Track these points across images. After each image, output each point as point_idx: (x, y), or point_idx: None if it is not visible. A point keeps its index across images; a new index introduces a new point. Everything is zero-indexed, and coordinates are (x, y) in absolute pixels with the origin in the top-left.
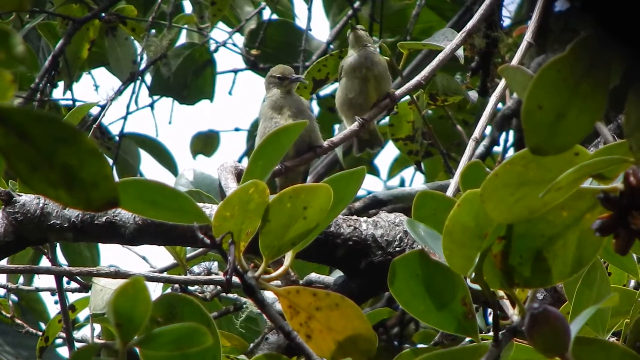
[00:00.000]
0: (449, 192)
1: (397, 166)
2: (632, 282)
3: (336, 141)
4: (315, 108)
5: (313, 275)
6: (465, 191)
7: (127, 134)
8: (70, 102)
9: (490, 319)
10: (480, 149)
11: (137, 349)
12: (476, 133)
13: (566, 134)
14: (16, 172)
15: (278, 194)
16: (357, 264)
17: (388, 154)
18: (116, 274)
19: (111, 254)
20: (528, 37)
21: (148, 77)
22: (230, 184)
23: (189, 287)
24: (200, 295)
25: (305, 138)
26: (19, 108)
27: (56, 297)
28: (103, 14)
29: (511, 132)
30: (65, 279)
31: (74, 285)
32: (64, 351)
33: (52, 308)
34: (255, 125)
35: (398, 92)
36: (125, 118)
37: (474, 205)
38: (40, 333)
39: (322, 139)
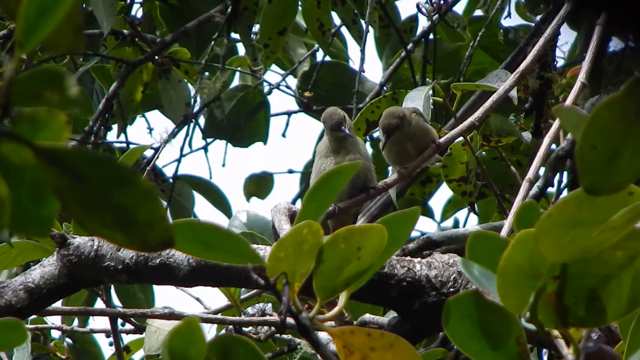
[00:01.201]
0: (503, 233)
1: (450, 207)
2: None
3: (390, 182)
4: (369, 149)
5: (367, 316)
6: (519, 231)
7: (180, 176)
8: (124, 145)
9: (545, 359)
10: (534, 190)
11: None
12: (530, 174)
13: (620, 173)
14: (70, 214)
15: (332, 234)
16: (411, 304)
17: (442, 195)
18: (170, 315)
19: (165, 296)
20: (582, 77)
21: (201, 120)
22: (283, 225)
23: (243, 328)
24: (255, 336)
25: (361, 176)
26: (73, 149)
27: (111, 339)
28: (156, 57)
29: (565, 173)
30: (119, 321)
31: (128, 326)
32: None
33: (107, 350)
34: (309, 166)
35: (451, 133)
36: (179, 160)
37: (528, 246)
38: None
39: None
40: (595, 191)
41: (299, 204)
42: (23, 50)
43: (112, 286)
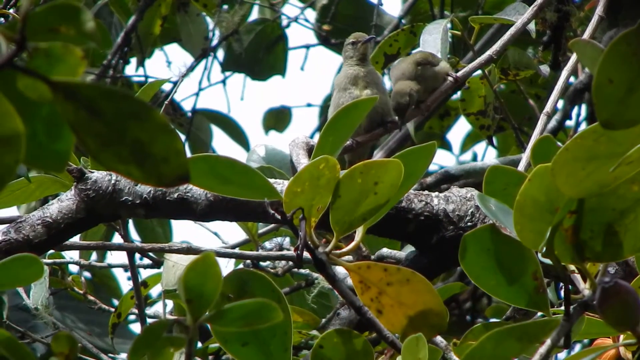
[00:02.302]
0: (521, 167)
1: (469, 141)
2: None
3: (408, 116)
4: (387, 83)
5: (384, 251)
6: (536, 166)
7: (199, 110)
8: (143, 79)
9: (562, 293)
10: (553, 123)
11: (209, 325)
12: (548, 107)
13: (637, 107)
14: (86, 148)
15: (348, 169)
16: (429, 239)
17: (460, 128)
18: (188, 250)
19: (183, 230)
20: (599, 10)
21: (220, 53)
22: (301, 159)
23: (261, 263)
24: (272, 271)
25: (378, 110)
26: (89, 83)
27: (128, 274)
28: None
29: (583, 106)
30: (137, 256)
31: (146, 261)
32: (136, 327)
33: (125, 284)
34: (327, 100)
35: (469, 66)
36: (197, 94)
37: (544, 180)
38: (113, 309)
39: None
40: (612, 125)
41: (317, 138)
42: None
43: (130, 221)
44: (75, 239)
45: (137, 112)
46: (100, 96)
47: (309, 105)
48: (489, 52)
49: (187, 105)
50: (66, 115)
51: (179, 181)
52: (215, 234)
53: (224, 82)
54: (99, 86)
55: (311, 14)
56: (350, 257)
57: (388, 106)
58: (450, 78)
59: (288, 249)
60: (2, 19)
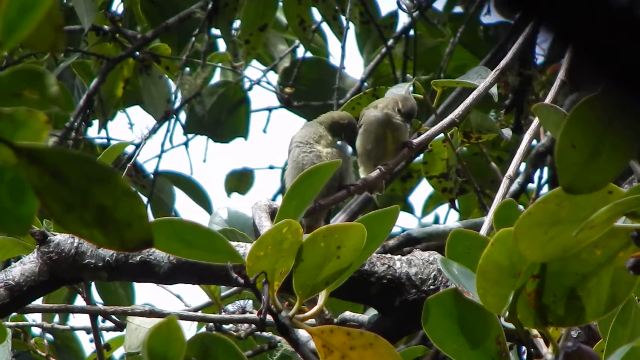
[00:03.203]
0: (483, 231)
1: (431, 203)
2: None
3: (370, 180)
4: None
5: (347, 314)
6: (498, 230)
7: (161, 172)
8: (105, 141)
9: (525, 357)
10: (515, 186)
11: None
12: (510, 171)
13: (600, 172)
14: (50, 213)
15: (312, 233)
16: (392, 302)
17: (422, 191)
18: (151, 313)
19: (146, 292)
20: (561, 75)
21: (182, 116)
22: (264, 222)
23: (224, 326)
24: (235, 333)
25: (336, 176)
26: (52, 148)
27: (91, 336)
28: (137, 53)
29: (545, 169)
30: (100, 318)
31: (109, 324)
32: None
33: (88, 347)
34: None
35: (432, 130)
36: (159, 156)
37: (507, 244)
38: None
39: (354, 178)
40: (575, 190)
41: (279, 200)
42: (3, 49)
43: (93, 283)
44: (38, 301)
45: (100, 177)
46: (64, 161)
47: (271, 167)
48: (451, 116)
49: (149, 167)
50: (30, 180)
51: (143, 246)
52: (178, 296)
53: (186, 144)
54: (63, 151)
55: (273, 77)
56: (313, 321)
57: (348, 171)
58: (406, 147)
59: (251, 312)
60: None
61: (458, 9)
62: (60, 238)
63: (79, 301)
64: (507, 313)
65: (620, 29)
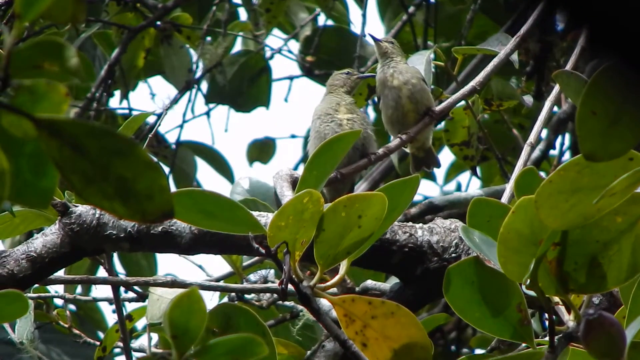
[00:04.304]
0: (504, 198)
1: (453, 171)
2: None
3: (391, 147)
4: (371, 114)
5: (369, 282)
6: (519, 198)
7: (183, 142)
8: (127, 111)
9: (546, 324)
10: (536, 153)
11: None
12: (531, 137)
13: (620, 139)
14: (71, 185)
15: (332, 203)
16: (413, 270)
17: (444, 159)
18: (173, 283)
19: (168, 263)
20: (582, 41)
21: (204, 85)
22: (285, 192)
23: (246, 296)
24: (257, 303)
25: (358, 145)
26: (72, 120)
27: (113, 307)
28: (158, 23)
29: (567, 136)
30: (122, 289)
31: (131, 294)
32: None
33: (110, 318)
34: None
35: (453, 97)
36: (181, 126)
37: (528, 212)
38: (98, 343)
39: (377, 146)
40: (595, 157)
41: (301, 170)
42: (23, 22)
43: (115, 254)
44: (60, 272)
45: (120, 149)
46: (84, 133)
47: (293, 136)
48: (472, 83)
49: (171, 138)
50: (50, 153)
51: (164, 218)
52: (200, 266)
53: (207, 114)
54: (83, 123)
55: (294, 46)
56: (334, 290)
57: (369, 139)
58: (428, 115)
59: (272, 282)
60: None
61: None
62: (82, 209)
63: (101, 272)
64: (528, 281)
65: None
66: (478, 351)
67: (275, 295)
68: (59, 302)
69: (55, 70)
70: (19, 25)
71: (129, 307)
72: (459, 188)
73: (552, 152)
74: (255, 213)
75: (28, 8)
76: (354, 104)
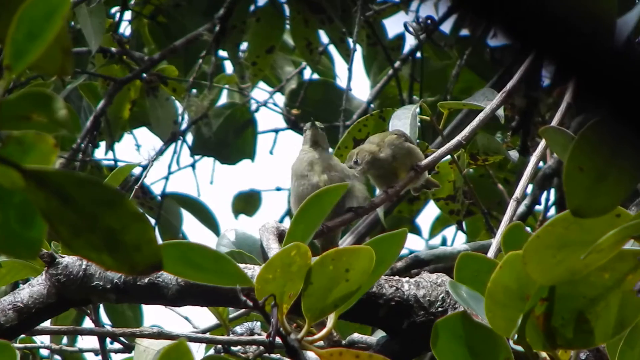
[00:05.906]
0: (491, 253)
1: (438, 225)
2: None
3: (377, 202)
4: None
5: (355, 336)
6: (506, 253)
7: (169, 194)
8: (112, 162)
9: None
10: (522, 208)
11: None
12: (517, 193)
13: (607, 195)
14: (59, 236)
15: (320, 256)
16: (400, 324)
17: (429, 213)
18: (159, 335)
19: (154, 314)
20: (567, 97)
21: (189, 137)
22: (272, 244)
23: (232, 348)
24: (243, 355)
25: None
26: (60, 171)
27: (99, 358)
28: (144, 75)
29: (552, 191)
30: (108, 340)
31: (117, 345)
32: None
33: None
34: None
35: (438, 152)
36: (167, 178)
37: (515, 267)
38: None
39: (362, 199)
40: (583, 213)
41: (287, 222)
42: (12, 73)
43: (101, 305)
44: (46, 323)
45: (108, 200)
46: (72, 184)
47: (278, 189)
48: (458, 138)
49: (156, 189)
50: (38, 203)
51: (152, 270)
52: (186, 318)
53: (193, 165)
54: (71, 174)
55: (280, 99)
56: (321, 343)
57: (352, 191)
58: (413, 170)
59: (259, 334)
60: None
61: (464, 32)
62: (69, 260)
63: (87, 323)
64: (515, 336)
65: (617, 65)
66: None
67: (262, 348)
68: (45, 352)
69: (44, 121)
70: (8, 76)
71: (115, 358)
72: (444, 242)
73: (537, 207)
74: (242, 265)
75: (18, 60)
76: (329, 158)
